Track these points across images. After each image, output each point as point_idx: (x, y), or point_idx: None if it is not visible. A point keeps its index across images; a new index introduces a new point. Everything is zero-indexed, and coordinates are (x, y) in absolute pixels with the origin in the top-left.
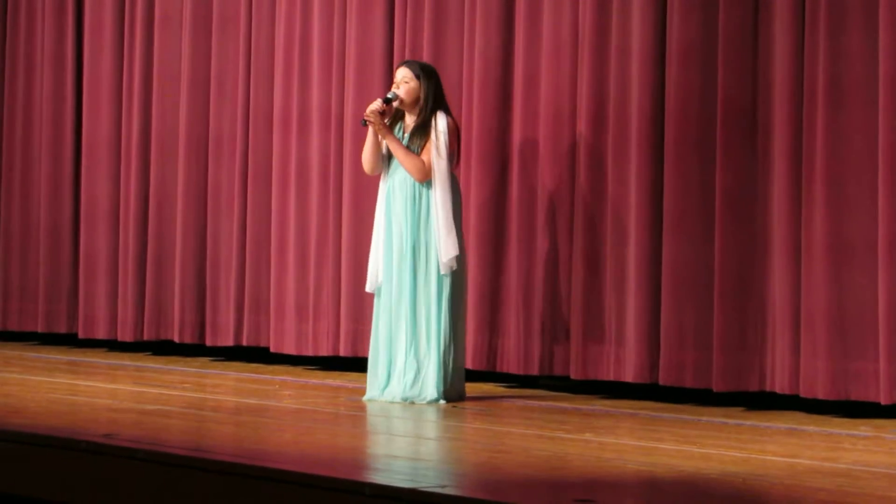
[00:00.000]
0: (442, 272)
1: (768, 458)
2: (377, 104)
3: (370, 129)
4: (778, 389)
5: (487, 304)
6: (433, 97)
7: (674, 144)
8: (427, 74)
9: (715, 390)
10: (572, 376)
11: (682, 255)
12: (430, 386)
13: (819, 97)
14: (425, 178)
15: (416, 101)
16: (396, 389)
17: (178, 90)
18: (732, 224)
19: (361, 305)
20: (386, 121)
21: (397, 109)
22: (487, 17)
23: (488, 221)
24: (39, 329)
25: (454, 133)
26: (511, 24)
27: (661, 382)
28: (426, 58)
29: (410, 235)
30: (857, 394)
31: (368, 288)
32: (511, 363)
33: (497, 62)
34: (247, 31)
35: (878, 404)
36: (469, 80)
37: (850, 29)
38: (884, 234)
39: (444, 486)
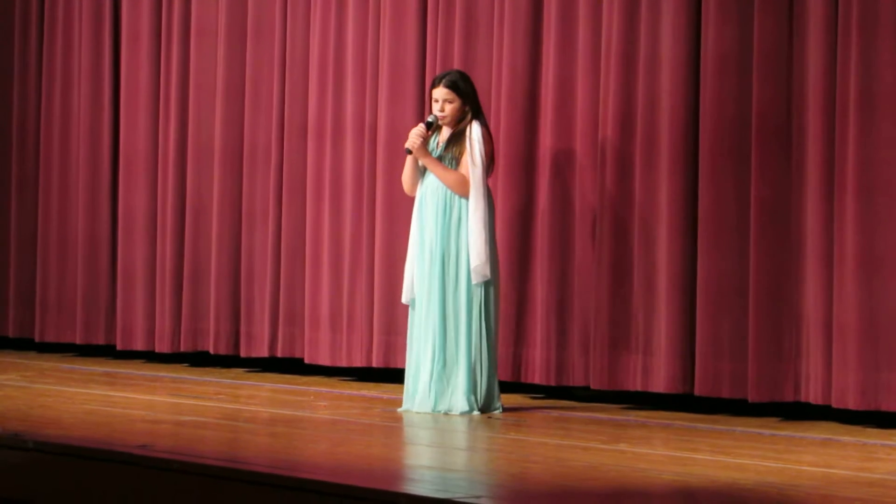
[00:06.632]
0: (473, 280)
1: (804, 468)
2: (420, 130)
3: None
4: (812, 400)
5: (513, 314)
6: (473, 108)
7: (709, 155)
8: (465, 87)
9: (750, 401)
10: (592, 386)
11: (718, 265)
12: (461, 397)
13: (850, 109)
14: (468, 192)
15: (459, 118)
16: (428, 401)
17: (214, 101)
18: (768, 234)
19: (394, 317)
20: (428, 144)
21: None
22: (517, 27)
23: (515, 231)
24: (77, 341)
25: (488, 141)
26: (540, 35)
27: (696, 393)
28: (457, 68)
29: (440, 244)
30: (888, 404)
31: (404, 299)
32: (536, 374)
33: (525, 73)
34: (281, 42)
35: None
36: (498, 90)
37: (882, 40)
38: None
39: (478, 497)
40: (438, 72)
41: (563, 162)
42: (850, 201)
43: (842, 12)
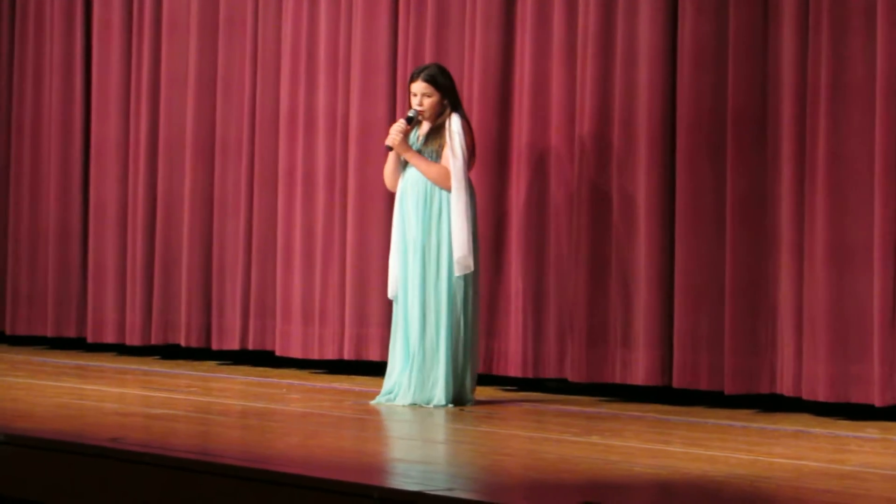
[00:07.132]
0: (456, 272)
1: (775, 460)
2: (401, 125)
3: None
4: (784, 392)
5: (488, 307)
6: (451, 101)
7: (686, 147)
8: (444, 81)
9: (727, 393)
10: (570, 379)
11: (695, 257)
12: (439, 390)
13: (822, 101)
14: (450, 185)
15: (439, 112)
16: (408, 393)
17: (185, 93)
18: (744, 227)
19: (365, 309)
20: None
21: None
22: (490, 19)
23: (490, 224)
24: (49, 333)
25: (468, 133)
26: (513, 28)
27: (674, 385)
28: (429, 61)
29: (421, 236)
30: (857, 396)
31: (390, 294)
32: (511, 366)
33: (497, 66)
34: (253, 35)
35: (882, 407)
36: (470, 83)
37: (853, 34)
38: (879, 237)
39: (451, 490)
40: (410, 65)
41: (539, 155)
42: (821, 193)
43: (813, 5)
